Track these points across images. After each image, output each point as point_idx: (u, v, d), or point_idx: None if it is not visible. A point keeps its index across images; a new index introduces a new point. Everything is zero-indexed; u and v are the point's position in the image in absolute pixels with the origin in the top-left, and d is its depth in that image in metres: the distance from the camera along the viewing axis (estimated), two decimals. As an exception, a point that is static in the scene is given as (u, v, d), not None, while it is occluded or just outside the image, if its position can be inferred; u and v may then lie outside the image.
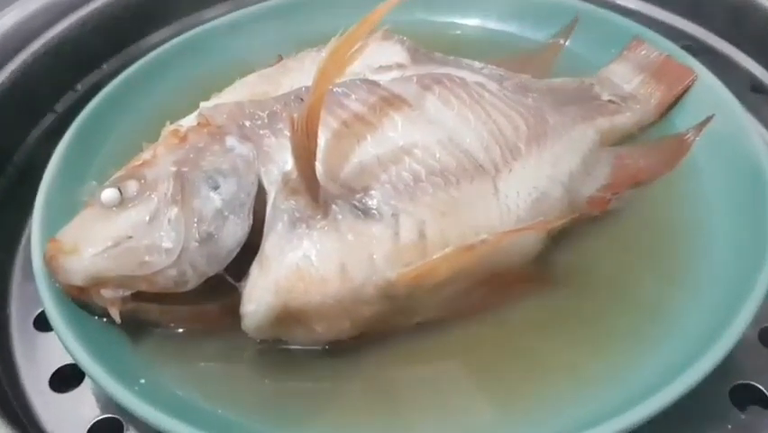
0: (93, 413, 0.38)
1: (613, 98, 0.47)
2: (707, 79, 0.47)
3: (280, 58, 0.48)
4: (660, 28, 0.56)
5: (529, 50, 0.54)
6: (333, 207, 0.35)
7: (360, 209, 0.35)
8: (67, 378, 0.39)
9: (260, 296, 0.33)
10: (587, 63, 0.52)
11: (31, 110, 0.52)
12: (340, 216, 0.35)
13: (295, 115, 0.34)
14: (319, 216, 0.34)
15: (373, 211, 0.35)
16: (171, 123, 0.40)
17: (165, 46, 0.53)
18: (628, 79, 0.49)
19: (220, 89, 0.45)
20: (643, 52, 0.50)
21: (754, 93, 0.53)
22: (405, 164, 0.37)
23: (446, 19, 0.57)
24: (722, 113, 0.45)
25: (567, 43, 0.54)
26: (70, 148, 0.45)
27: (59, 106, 0.53)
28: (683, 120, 0.47)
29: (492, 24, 0.56)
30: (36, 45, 0.52)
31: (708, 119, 0.45)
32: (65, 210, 0.39)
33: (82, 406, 0.38)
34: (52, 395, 0.39)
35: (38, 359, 0.40)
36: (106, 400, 0.38)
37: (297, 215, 0.34)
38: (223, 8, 0.61)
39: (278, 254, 0.34)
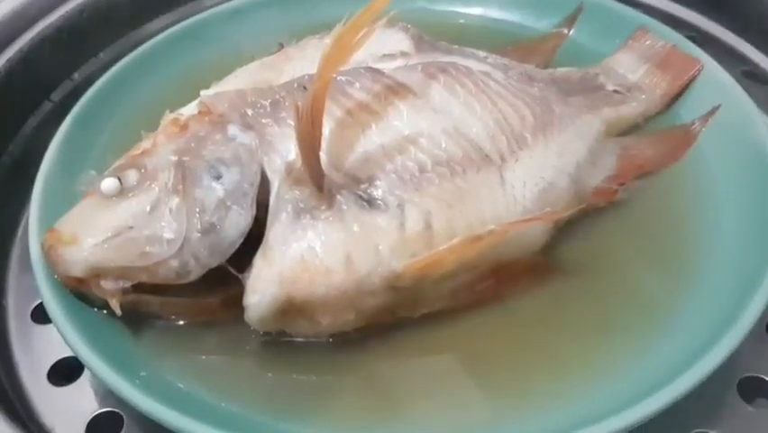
0: (92, 407, 0.37)
1: (618, 88, 0.47)
2: (712, 69, 0.46)
3: (281, 46, 0.47)
4: (662, 18, 0.56)
5: (532, 39, 0.53)
6: (338, 197, 0.34)
7: (365, 200, 0.35)
8: (65, 371, 0.39)
9: (263, 287, 0.33)
10: (591, 53, 0.51)
11: (27, 99, 0.51)
12: (345, 207, 0.34)
13: (299, 103, 0.33)
14: (324, 207, 0.34)
15: (378, 201, 0.35)
16: (171, 111, 0.40)
17: (164, 34, 0.52)
18: (633, 69, 0.49)
19: (220, 78, 0.44)
20: (648, 42, 0.50)
21: (757, 82, 0.52)
22: (410, 154, 0.36)
23: (448, 8, 0.57)
24: (728, 103, 0.44)
25: (571, 33, 0.53)
26: (68, 137, 0.44)
27: (56, 95, 0.53)
28: (689, 110, 0.46)
29: (495, 14, 0.56)
30: (33, 33, 0.51)
31: (715, 109, 0.44)
32: (63, 200, 0.38)
33: (81, 399, 0.38)
34: (51, 388, 0.38)
35: (36, 352, 0.40)
36: (105, 394, 0.37)
37: (302, 205, 0.34)
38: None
39: (282, 245, 0.33)
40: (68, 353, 0.38)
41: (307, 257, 0.33)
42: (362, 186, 0.35)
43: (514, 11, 0.55)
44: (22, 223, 0.46)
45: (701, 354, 0.32)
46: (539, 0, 0.55)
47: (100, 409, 0.37)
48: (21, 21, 0.51)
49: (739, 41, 0.55)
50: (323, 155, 0.35)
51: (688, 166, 0.43)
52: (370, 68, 0.40)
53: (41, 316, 0.41)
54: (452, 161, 0.36)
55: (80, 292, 0.35)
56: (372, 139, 0.36)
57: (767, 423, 0.35)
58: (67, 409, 0.37)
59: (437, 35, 0.48)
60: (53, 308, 0.35)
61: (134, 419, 0.36)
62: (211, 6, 0.56)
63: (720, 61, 0.47)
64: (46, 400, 0.38)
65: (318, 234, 0.33)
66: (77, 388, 0.38)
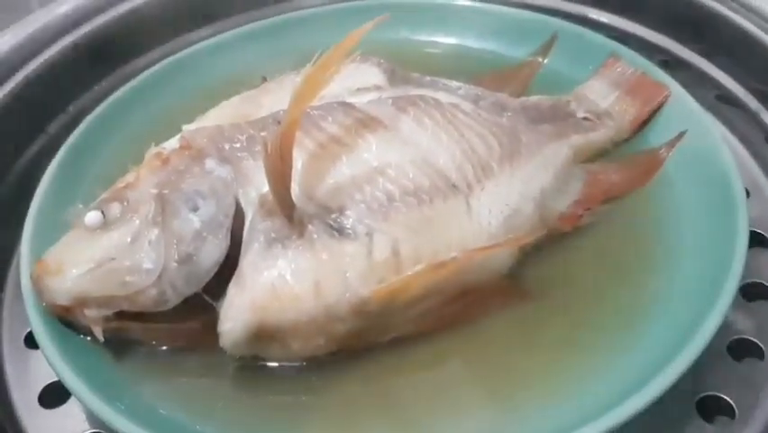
0: (81, 427, 0.39)
1: (588, 115, 0.48)
2: (680, 96, 0.48)
3: (264, 79, 0.49)
4: (637, 43, 0.57)
5: (508, 67, 0.55)
6: (309, 226, 0.36)
7: (335, 228, 0.36)
8: (56, 394, 0.40)
9: (236, 314, 0.34)
10: (566, 79, 0.53)
11: (23, 132, 0.53)
12: (315, 236, 0.36)
13: (268, 139, 0.35)
14: (294, 236, 0.36)
15: (348, 230, 0.36)
16: (158, 145, 0.41)
17: (154, 68, 0.54)
18: (604, 96, 0.50)
19: (208, 110, 0.45)
20: (618, 69, 0.51)
21: (726, 104, 0.54)
22: (379, 184, 0.38)
23: (429, 38, 0.58)
24: (694, 129, 0.46)
25: (546, 60, 0.55)
26: (60, 170, 0.46)
27: (52, 128, 0.54)
28: (657, 135, 0.48)
29: (472, 43, 0.57)
30: (29, 69, 0.53)
31: (681, 135, 0.46)
32: (54, 231, 0.39)
33: (70, 421, 0.39)
34: (42, 411, 0.40)
35: (28, 376, 0.41)
36: (93, 416, 0.38)
37: (273, 235, 0.36)
38: (212, 29, 0.62)
39: (254, 273, 0.35)
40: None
41: (278, 285, 0.34)
42: (333, 215, 0.36)
43: (491, 40, 0.57)
44: (17, 252, 0.47)
45: (656, 374, 0.33)
46: (515, 29, 0.56)
47: (88, 430, 0.39)
48: (18, 56, 0.54)
49: (712, 67, 0.56)
50: (295, 186, 0.36)
51: (653, 191, 0.44)
52: (343, 102, 0.42)
53: (33, 341, 0.42)
54: (419, 190, 0.38)
55: (67, 320, 0.37)
56: (343, 170, 0.38)
57: (726, 441, 0.36)
58: (56, 431, 0.39)
59: (418, 65, 0.50)
60: (41, 334, 0.37)
61: (120, 441, 0.38)
62: (199, 40, 0.58)
63: (694, 86, 0.49)
64: (36, 422, 0.39)
65: (288, 262, 0.35)
66: (67, 410, 0.40)
